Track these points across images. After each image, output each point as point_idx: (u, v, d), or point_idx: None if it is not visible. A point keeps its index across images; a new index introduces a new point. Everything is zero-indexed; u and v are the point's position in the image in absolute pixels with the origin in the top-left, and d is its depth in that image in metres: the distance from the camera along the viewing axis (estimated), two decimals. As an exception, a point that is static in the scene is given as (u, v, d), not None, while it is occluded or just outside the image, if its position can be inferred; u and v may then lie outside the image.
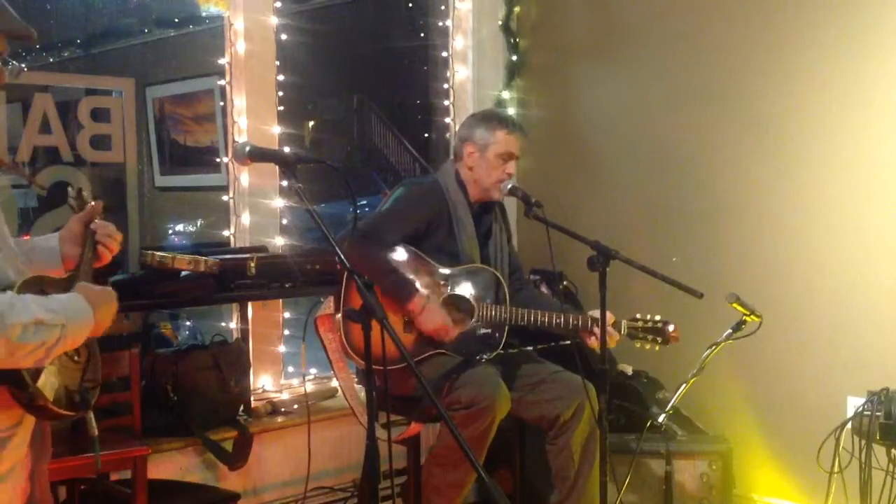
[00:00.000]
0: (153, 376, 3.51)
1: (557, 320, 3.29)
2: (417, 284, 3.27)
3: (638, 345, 3.24)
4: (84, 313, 1.86)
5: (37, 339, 1.73)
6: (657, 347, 3.22)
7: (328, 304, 3.38)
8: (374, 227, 3.32)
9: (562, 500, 3.34)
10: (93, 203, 2.19)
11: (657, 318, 3.23)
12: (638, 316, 3.25)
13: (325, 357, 3.44)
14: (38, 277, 1.93)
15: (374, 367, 2.13)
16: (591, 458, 3.30)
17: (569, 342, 3.38)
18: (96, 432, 2.04)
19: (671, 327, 3.20)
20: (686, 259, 3.97)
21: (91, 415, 2.01)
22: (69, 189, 2.21)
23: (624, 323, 3.24)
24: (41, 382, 1.82)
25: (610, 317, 3.12)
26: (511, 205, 3.72)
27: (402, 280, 3.25)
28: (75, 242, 2.15)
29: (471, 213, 3.43)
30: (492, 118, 3.49)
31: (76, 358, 1.95)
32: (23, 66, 1.99)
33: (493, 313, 3.31)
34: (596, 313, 3.09)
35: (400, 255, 3.33)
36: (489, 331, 3.33)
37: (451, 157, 3.58)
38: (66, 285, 1.95)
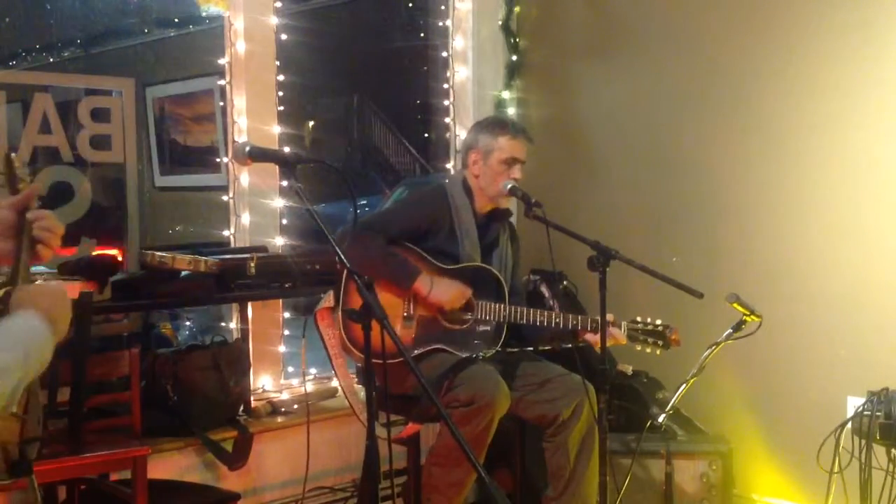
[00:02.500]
0: (153, 376, 3.51)
1: (557, 320, 3.30)
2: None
3: (639, 348, 3.25)
4: (42, 333, 1.53)
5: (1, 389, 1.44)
6: (658, 351, 3.23)
7: (328, 298, 3.38)
8: (377, 221, 3.37)
9: (557, 496, 3.34)
10: (31, 186, 1.80)
11: (658, 321, 3.24)
12: (639, 318, 3.26)
13: (324, 357, 3.44)
14: None
15: (373, 361, 2.14)
16: (587, 457, 3.30)
17: (570, 345, 3.38)
18: (39, 499, 1.76)
19: (672, 331, 3.20)
20: (686, 259, 3.97)
21: (34, 479, 1.72)
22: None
23: (624, 324, 3.24)
24: None
25: (611, 317, 3.13)
26: (511, 205, 3.72)
27: (404, 264, 3.27)
28: (5, 235, 1.73)
29: (475, 220, 3.44)
30: (495, 124, 3.49)
31: (13, 409, 1.60)
32: None
33: (493, 311, 3.31)
34: (598, 317, 3.09)
35: (400, 251, 3.33)
36: (488, 328, 3.34)
37: (461, 165, 3.59)
38: (7, 287, 1.62)
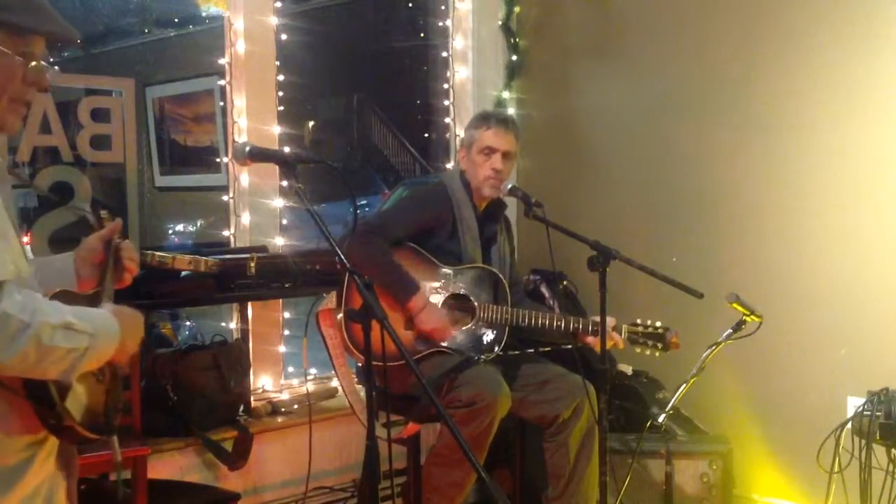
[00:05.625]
0: (153, 376, 3.51)
1: (558, 323, 3.30)
2: (419, 282, 3.29)
3: (638, 350, 3.26)
4: (112, 329, 1.78)
5: (66, 345, 1.66)
6: (657, 354, 3.24)
7: (330, 299, 3.38)
8: (379, 223, 3.36)
9: (557, 496, 3.34)
10: (115, 220, 2.11)
11: (658, 324, 3.24)
12: (639, 321, 3.26)
13: (324, 357, 3.44)
14: (66, 292, 1.86)
15: (374, 363, 2.13)
16: (587, 457, 3.30)
17: (570, 346, 3.38)
18: (119, 458, 1.95)
19: (672, 334, 3.21)
20: (686, 259, 3.96)
21: (115, 440, 1.92)
22: (86, 206, 2.17)
23: (625, 328, 3.25)
24: (69, 402, 1.73)
25: (611, 321, 3.13)
26: (511, 205, 3.72)
27: (403, 278, 3.26)
28: (93, 262, 2.04)
29: (475, 215, 3.44)
30: (477, 117, 3.55)
31: (100, 378, 1.87)
32: (56, 67, 1.91)
33: (495, 314, 3.31)
34: (598, 318, 3.09)
35: (403, 252, 3.33)
36: (490, 331, 3.33)
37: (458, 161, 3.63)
38: (91, 303, 1.88)
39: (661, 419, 3.31)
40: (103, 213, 2.15)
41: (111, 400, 1.90)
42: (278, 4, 4.06)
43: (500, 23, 4.71)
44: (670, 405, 3.26)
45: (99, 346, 1.74)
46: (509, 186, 3.38)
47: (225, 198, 4.06)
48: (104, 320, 1.78)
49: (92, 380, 1.84)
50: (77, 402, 1.77)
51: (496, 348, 3.32)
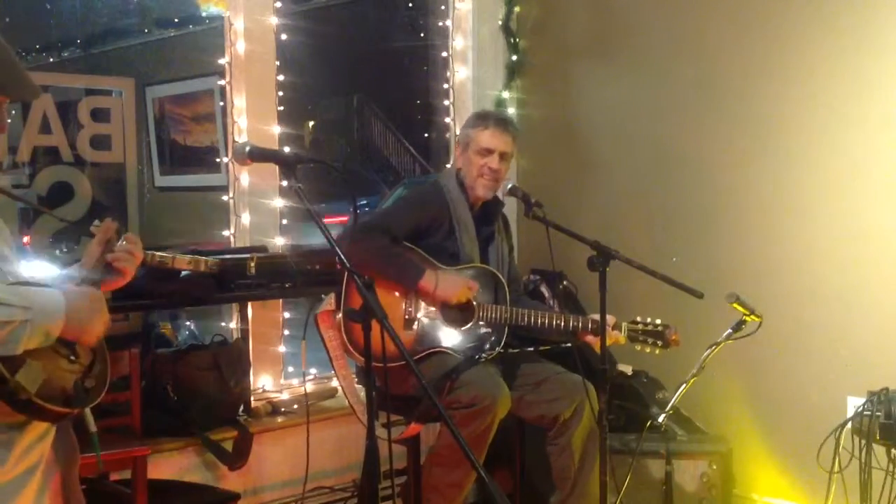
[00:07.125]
0: (153, 376, 3.51)
1: (558, 321, 3.30)
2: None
3: (638, 347, 3.26)
4: (54, 304, 1.83)
5: None
6: (657, 351, 3.24)
7: (329, 301, 3.39)
8: (378, 221, 3.37)
9: (563, 499, 3.34)
10: (106, 222, 2.20)
11: (658, 321, 3.24)
12: (638, 319, 3.26)
13: (325, 357, 3.44)
14: (25, 282, 1.92)
15: (374, 364, 2.14)
16: (591, 458, 3.30)
17: (569, 345, 3.38)
18: (94, 429, 2.01)
19: (671, 331, 3.21)
20: (686, 259, 3.97)
21: (88, 412, 1.97)
22: (96, 220, 2.24)
23: (624, 325, 3.25)
24: (21, 376, 1.78)
25: (611, 319, 3.13)
26: (511, 205, 3.72)
27: (409, 262, 3.27)
28: (92, 265, 2.17)
29: (471, 214, 3.45)
30: (475, 116, 3.56)
31: (72, 358, 1.92)
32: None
33: (494, 313, 3.31)
34: (597, 316, 3.09)
35: (402, 250, 3.33)
36: (489, 331, 3.33)
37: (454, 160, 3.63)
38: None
39: (661, 419, 3.31)
40: (107, 222, 2.22)
41: (91, 375, 1.96)
42: (278, 4, 4.06)
43: (500, 23, 4.71)
44: (670, 405, 3.26)
45: (39, 320, 1.79)
46: (509, 186, 3.38)
47: (225, 198, 4.06)
48: (45, 296, 1.84)
49: (61, 360, 1.89)
50: (33, 376, 1.81)
51: (496, 348, 3.32)
